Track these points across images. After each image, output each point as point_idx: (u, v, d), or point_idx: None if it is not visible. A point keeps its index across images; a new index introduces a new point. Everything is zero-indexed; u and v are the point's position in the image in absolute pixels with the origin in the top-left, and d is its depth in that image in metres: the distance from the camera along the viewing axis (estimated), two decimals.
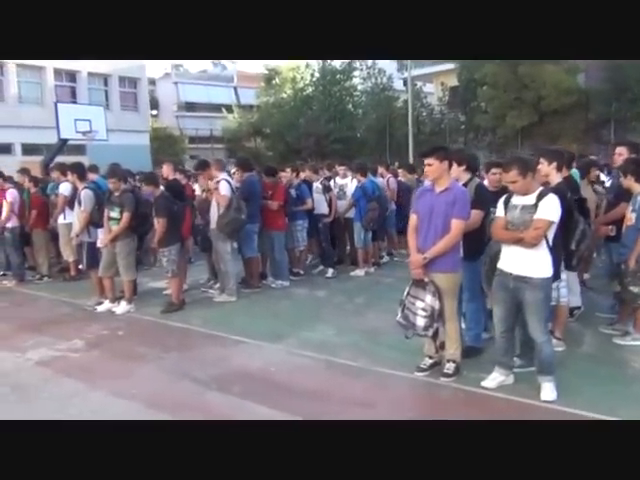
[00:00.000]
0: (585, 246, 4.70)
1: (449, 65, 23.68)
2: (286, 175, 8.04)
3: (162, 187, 6.89)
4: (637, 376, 4.42)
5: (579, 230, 4.59)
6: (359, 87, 28.95)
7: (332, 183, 8.82)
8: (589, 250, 5.51)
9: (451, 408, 3.93)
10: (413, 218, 4.31)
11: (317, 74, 28.79)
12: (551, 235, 3.78)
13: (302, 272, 8.32)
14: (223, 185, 6.78)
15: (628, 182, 5.05)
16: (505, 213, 3.91)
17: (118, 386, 4.44)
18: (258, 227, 7.44)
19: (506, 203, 3.93)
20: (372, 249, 8.67)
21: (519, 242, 3.77)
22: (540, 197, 3.73)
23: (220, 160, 7.56)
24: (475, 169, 4.91)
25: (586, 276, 6.67)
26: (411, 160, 19.10)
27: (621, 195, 5.27)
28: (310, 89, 28.96)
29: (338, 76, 27.94)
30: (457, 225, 4.07)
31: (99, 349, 5.40)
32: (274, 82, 30.14)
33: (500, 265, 4.00)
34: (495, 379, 4.13)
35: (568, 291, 4.91)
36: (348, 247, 9.15)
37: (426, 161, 4.13)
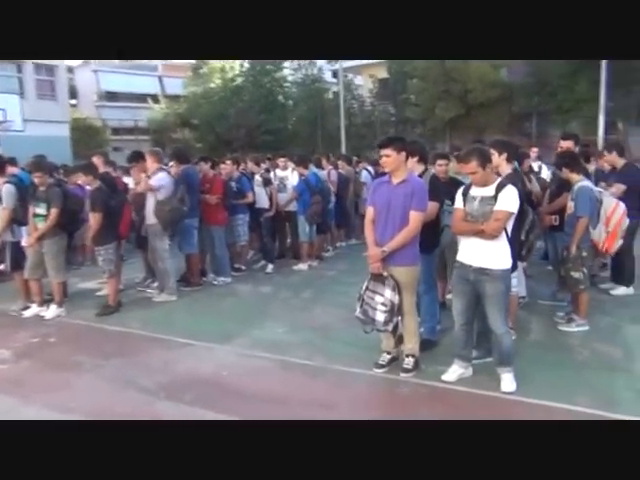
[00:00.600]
0: (534, 236, 4.77)
1: None
2: (226, 167, 7.72)
3: None
4: (585, 361, 4.54)
5: (528, 220, 4.64)
6: (289, 78, 28.72)
7: (272, 175, 8.59)
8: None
9: (415, 404, 3.86)
10: (370, 211, 4.18)
11: (247, 64, 28.23)
12: (510, 226, 3.77)
13: (244, 268, 8.09)
14: (160, 175, 6.40)
15: (566, 174, 5.21)
16: (464, 205, 3.86)
17: (54, 399, 4.06)
18: (197, 222, 7.12)
19: (465, 194, 3.88)
20: (317, 243, 8.53)
21: (479, 234, 3.74)
22: (499, 188, 3.71)
23: (157, 150, 7.08)
24: (427, 160, 4.86)
25: (524, 264, 6.84)
26: (343, 151, 19.13)
27: (562, 186, 5.43)
28: (240, 79, 28.36)
29: (268, 67, 27.54)
30: (416, 217, 3.98)
31: (29, 359, 4.95)
32: (202, 72, 29.28)
33: (459, 257, 3.96)
34: (455, 372, 4.11)
35: (518, 281, 4.97)
36: (289, 240, 8.98)
37: (383, 152, 3.99)
